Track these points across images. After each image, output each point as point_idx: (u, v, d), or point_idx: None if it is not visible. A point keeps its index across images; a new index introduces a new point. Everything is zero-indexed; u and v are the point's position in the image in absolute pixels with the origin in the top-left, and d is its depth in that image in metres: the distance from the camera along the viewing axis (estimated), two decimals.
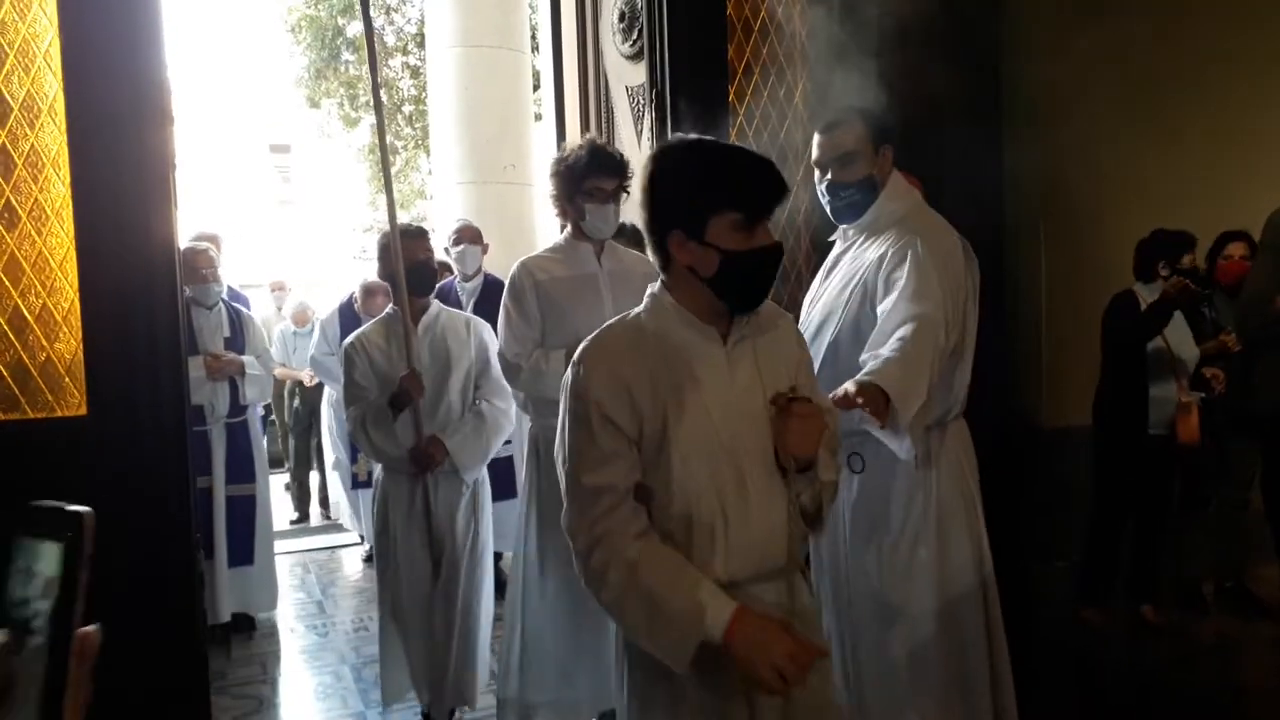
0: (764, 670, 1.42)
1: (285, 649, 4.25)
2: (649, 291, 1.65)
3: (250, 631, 4.37)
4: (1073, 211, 4.31)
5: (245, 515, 4.24)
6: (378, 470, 3.28)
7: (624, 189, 2.82)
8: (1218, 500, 3.98)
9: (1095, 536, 3.96)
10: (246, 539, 4.24)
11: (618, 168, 2.79)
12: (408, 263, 3.03)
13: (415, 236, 3.20)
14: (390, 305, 3.23)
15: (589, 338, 1.63)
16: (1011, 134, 3.94)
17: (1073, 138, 4.24)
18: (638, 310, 1.65)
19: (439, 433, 3.09)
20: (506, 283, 2.91)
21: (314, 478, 7.17)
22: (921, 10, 3.01)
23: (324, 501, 7.06)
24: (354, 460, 5.38)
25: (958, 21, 3.28)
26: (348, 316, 5.22)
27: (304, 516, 6.98)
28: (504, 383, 3.06)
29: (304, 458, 7.08)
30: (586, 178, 2.76)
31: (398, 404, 3.02)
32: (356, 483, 5.42)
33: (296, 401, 7.04)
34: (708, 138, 1.62)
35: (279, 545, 4.93)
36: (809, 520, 1.64)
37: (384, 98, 13.57)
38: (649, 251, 1.62)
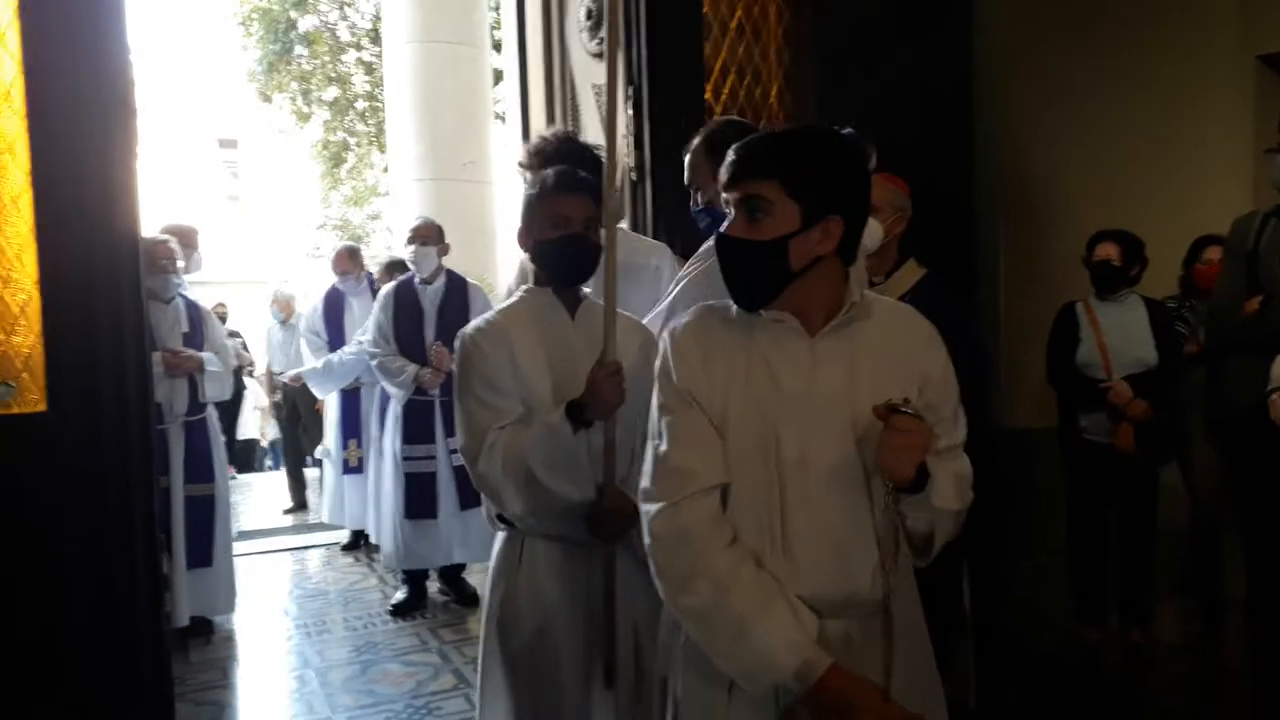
0: None
1: (245, 653, 4.15)
2: None
3: (208, 635, 4.25)
4: (1033, 212, 4.40)
5: (204, 515, 4.12)
6: (497, 542, 2.08)
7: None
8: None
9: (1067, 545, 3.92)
10: (205, 540, 4.12)
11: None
12: (574, 225, 1.98)
13: (578, 190, 2.02)
14: (522, 286, 2.12)
15: (682, 316, 1.56)
16: (980, 136, 4.00)
17: (1035, 143, 4.34)
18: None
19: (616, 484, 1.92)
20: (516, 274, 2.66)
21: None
22: (897, 16, 3.04)
23: (302, 504, 7.09)
24: (345, 446, 5.39)
25: (931, 28, 3.33)
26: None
27: (301, 505, 7.06)
28: None
29: (295, 447, 7.22)
30: (557, 164, 2.60)
31: (582, 416, 1.83)
32: (348, 468, 5.39)
33: (278, 395, 7.15)
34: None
35: (239, 547, 4.82)
36: (916, 549, 1.48)
37: (337, 92, 13.40)
38: None
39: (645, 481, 1.50)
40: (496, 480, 1.87)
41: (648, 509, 1.47)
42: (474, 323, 2.04)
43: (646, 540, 1.47)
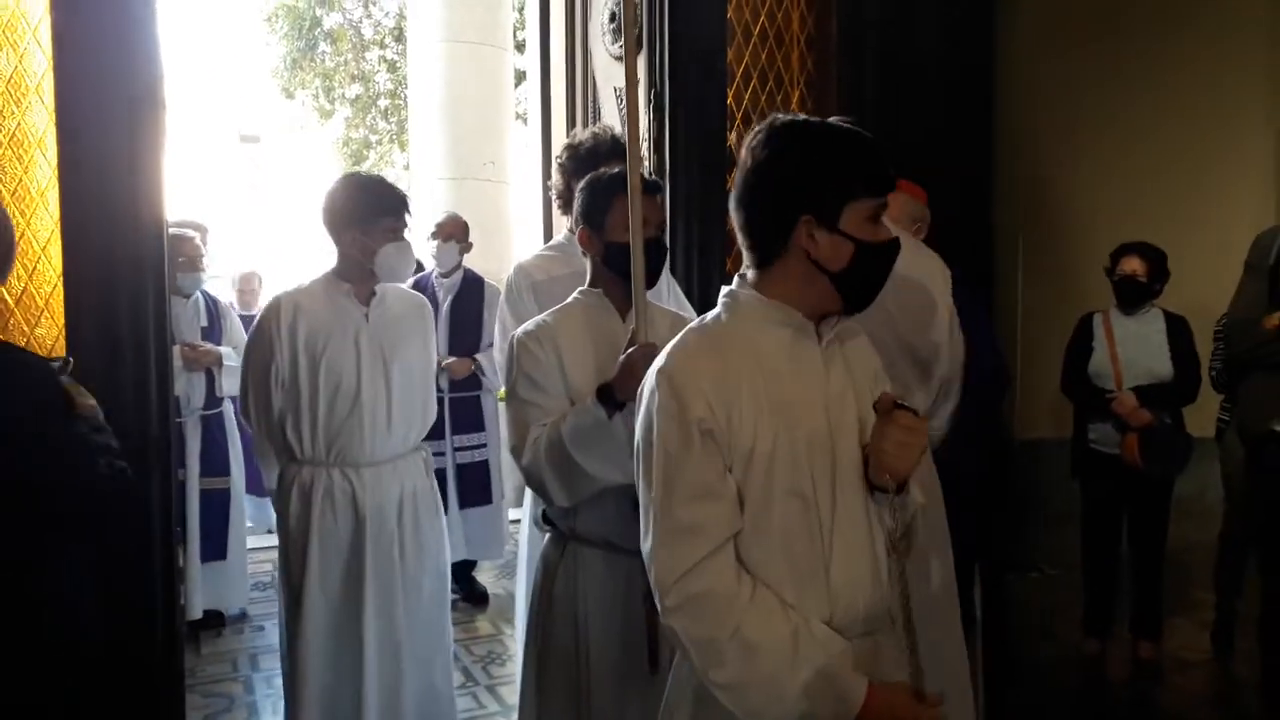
0: None
1: (256, 646, 4.17)
2: (724, 292, 1.46)
3: (220, 628, 4.29)
4: (1052, 222, 4.39)
5: (219, 509, 4.16)
6: (526, 543, 2.36)
7: None
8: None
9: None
10: (220, 534, 4.16)
11: None
12: (650, 229, 1.99)
13: (653, 192, 2.05)
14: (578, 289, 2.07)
15: (668, 348, 1.41)
16: (1002, 145, 4.00)
17: (1055, 152, 4.33)
18: (713, 314, 1.46)
19: None
20: (503, 290, 2.68)
21: None
22: (920, 24, 3.04)
23: None
24: None
25: (955, 37, 3.33)
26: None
27: None
28: None
29: None
30: (603, 164, 2.49)
31: (614, 399, 1.84)
32: None
33: None
34: (833, 120, 1.45)
35: (255, 540, 4.84)
36: (898, 549, 1.44)
37: (359, 90, 13.47)
38: (742, 238, 1.43)
39: (649, 543, 1.36)
40: (540, 470, 1.88)
41: (658, 577, 1.35)
42: (525, 325, 2.04)
43: (662, 610, 1.35)
